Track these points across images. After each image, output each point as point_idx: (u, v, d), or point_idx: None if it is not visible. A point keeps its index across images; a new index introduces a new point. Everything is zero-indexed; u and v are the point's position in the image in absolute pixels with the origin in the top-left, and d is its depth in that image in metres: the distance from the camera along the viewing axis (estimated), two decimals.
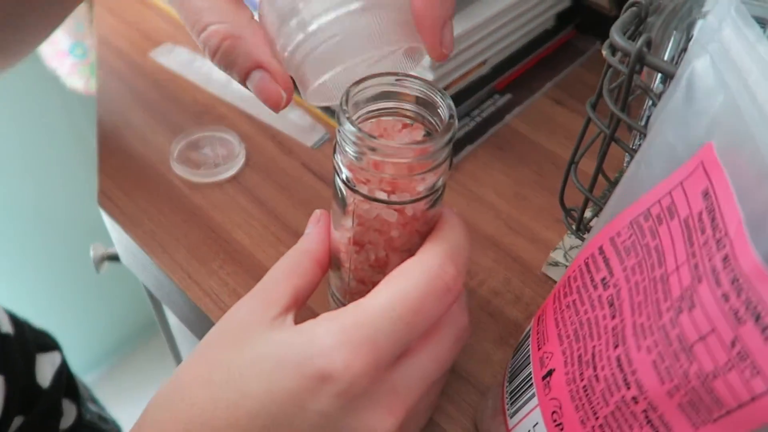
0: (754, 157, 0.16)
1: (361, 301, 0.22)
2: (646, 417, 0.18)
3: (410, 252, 0.24)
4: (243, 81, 0.24)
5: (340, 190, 0.24)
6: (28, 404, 0.41)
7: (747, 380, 0.15)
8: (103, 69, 0.46)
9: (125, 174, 0.40)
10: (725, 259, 0.16)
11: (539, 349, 0.24)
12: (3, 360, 0.39)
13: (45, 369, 0.44)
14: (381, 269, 0.26)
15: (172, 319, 0.54)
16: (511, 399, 0.26)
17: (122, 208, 0.38)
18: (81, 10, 0.81)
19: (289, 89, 0.24)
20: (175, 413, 0.23)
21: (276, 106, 0.24)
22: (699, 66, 0.20)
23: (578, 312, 0.22)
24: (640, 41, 0.22)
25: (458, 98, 0.44)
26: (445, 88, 0.42)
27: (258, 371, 0.22)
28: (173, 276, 0.35)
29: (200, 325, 0.36)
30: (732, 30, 0.19)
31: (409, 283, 0.22)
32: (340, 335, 0.22)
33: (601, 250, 0.22)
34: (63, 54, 0.83)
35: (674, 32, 0.26)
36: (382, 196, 0.23)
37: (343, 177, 0.23)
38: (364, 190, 0.23)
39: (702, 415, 0.17)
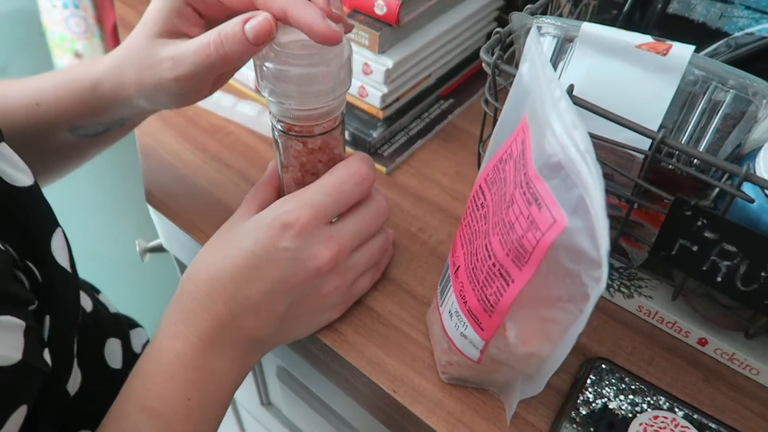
0: (538, 119, 0.30)
1: (317, 180, 0.38)
2: (498, 271, 0.31)
3: (316, 175, 0.40)
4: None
5: (274, 134, 0.40)
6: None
7: (534, 234, 0.28)
8: None
9: (163, 179, 0.53)
10: (525, 174, 0.29)
11: (452, 256, 0.38)
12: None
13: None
14: (299, 185, 0.40)
15: None
16: (441, 294, 0.39)
17: (164, 203, 0.51)
18: None
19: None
20: (193, 270, 0.37)
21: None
22: (524, 70, 0.33)
23: (470, 227, 0.35)
24: (495, 56, 0.36)
25: (410, 104, 0.58)
26: (399, 98, 0.56)
27: (246, 233, 0.37)
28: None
29: None
30: (534, 48, 0.32)
31: (335, 173, 0.38)
32: (292, 202, 0.37)
33: (480, 186, 0.35)
34: None
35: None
36: (292, 131, 0.38)
37: (273, 122, 0.39)
38: (280, 126, 0.38)
39: (521, 260, 0.30)
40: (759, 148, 0.35)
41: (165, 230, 0.53)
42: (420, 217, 0.51)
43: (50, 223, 0.36)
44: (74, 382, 0.38)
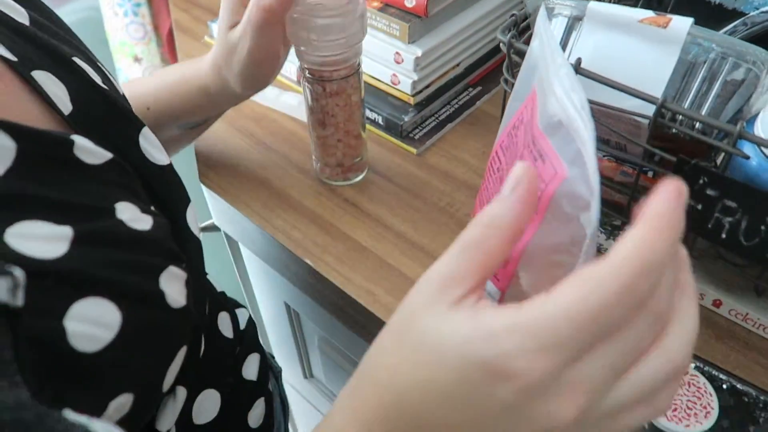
0: (543, 87, 0.33)
1: (543, 300, 0.22)
2: None
3: (334, 117, 0.48)
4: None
5: (301, 82, 0.47)
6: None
7: (539, 185, 0.32)
8: None
9: (214, 161, 0.59)
10: (532, 134, 0.33)
11: (472, 216, 0.41)
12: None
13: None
14: (321, 125, 0.50)
15: (248, 263, 0.73)
16: None
17: (216, 182, 0.57)
18: (156, 61, 1.03)
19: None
20: (377, 388, 0.26)
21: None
22: (534, 45, 0.37)
23: (488, 190, 0.39)
24: (509, 35, 0.39)
25: (440, 91, 0.62)
26: (429, 85, 0.60)
27: (443, 359, 0.23)
28: (253, 220, 0.53)
29: (272, 252, 0.54)
30: (542, 25, 0.36)
31: (596, 289, 0.21)
32: (522, 340, 0.21)
33: (496, 152, 0.39)
34: None
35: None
36: (314, 75, 0.47)
37: (300, 68, 0.47)
38: (306, 72, 0.47)
39: None
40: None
41: (216, 208, 0.59)
42: (448, 192, 0.55)
43: (185, 197, 0.38)
44: (199, 349, 0.41)
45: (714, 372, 0.40)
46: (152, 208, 0.33)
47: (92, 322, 0.26)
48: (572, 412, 0.22)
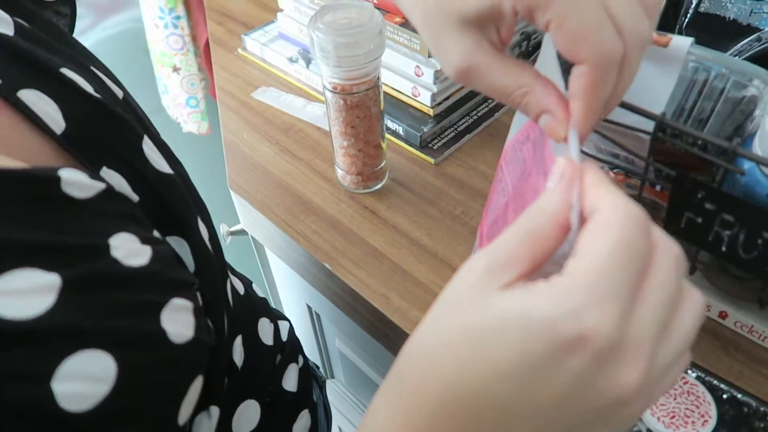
0: None
1: (578, 259, 0.23)
2: None
3: (354, 128, 0.50)
4: (535, 121, 0.30)
5: (325, 95, 0.51)
6: None
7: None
8: (222, 106, 0.70)
9: (243, 169, 0.62)
10: (542, 153, 0.35)
11: (479, 227, 0.43)
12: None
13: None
14: (342, 136, 0.53)
15: (274, 266, 0.76)
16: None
17: (244, 189, 0.60)
18: (194, 71, 1.07)
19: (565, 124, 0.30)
20: (426, 375, 0.24)
21: (558, 139, 0.29)
22: (540, 63, 0.39)
23: (491, 201, 0.41)
24: (516, 53, 0.41)
25: (459, 103, 0.64)
26: (448, 97, 0.62)
27: (505, 337, 0.22)
28: (277, 225, 0.56)
29: (294, 256, 0.57)
30: (547, 43, 0.38)
31: (616, 226, 0.23)
32: (582, 293, 0.21)
33: (501, 165, 0.41)
34: (181, 106, 1.10)
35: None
36: (335, 89, 0.50)
37: (323, 82, 0.50)
38: (328, 85, 0.50)
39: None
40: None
41: (244, 213, 0.62)
42: (463, 201, 0.56)
43: (195, 206, 0.36)
44: (239, 356, 0.40)
45: (715, 382, 0.41)
46: (155, 232, 0.31)
47: (84, 379, 0.24)
48: (636, 378, 0.22)
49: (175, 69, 1.04)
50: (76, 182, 0.26)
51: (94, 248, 0.26)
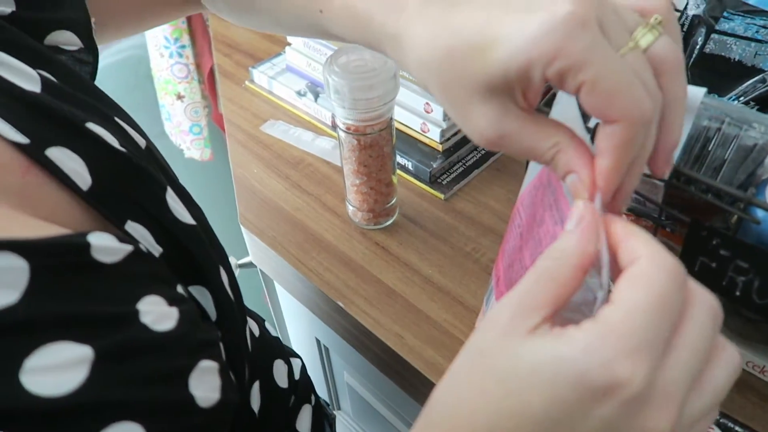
0: None
1: (612, 308, 0.23)
2: None
3: (367, 167, 0.52)
4: (562, 178, 0.30)
5: (337, 131, 0.52)
6: None
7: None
8: (231, 139, 0.70)
9: (253, 205, 0.62)
10: (555, 198, 0.35)
11: (495, 269, 0.44)
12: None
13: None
14: (355, 175, 0.54)
15: (283, 299, 0.76)
16: (486, 302, 0.45)
17: (255, 224, 0.60)
18: (197, 98, 1.08)
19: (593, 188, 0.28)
20: (457, 423, 0.25)
21: (582, 199, 0.29)
22: (556, 110, 0.39)
23: (508, 243, 0.41)
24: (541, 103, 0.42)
25: (467, 138, 0.64)
26: (456, 133, 0.63)
27: (536, 382, 0.23)
28: (288, 261, 0.56)
29: (305, 292, 0.57)
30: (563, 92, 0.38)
31: (656, 280, 0.23)
32: (616, 343, 0.22)
33: (518, 208, 0.41)
34: (185, 133, 1.10)
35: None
36: (349, 130, 0.51)
37: (337, 122, 0.51)
38: (341, 125, 0.51)
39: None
40: None
41: (253, 247, 0.62)
42: (474, 238, 0.57)
43: (218, 257, 0.36)
44: (257, 402, 0.40)
45: (730, 424, 0.41)
46: (179, 288, 0.31)
47: None
48: (665, 425, 0.23)
49: (179, 97, 1.05)
50: (105, 248, 0.26)
51: (124, 316, 0.26)
